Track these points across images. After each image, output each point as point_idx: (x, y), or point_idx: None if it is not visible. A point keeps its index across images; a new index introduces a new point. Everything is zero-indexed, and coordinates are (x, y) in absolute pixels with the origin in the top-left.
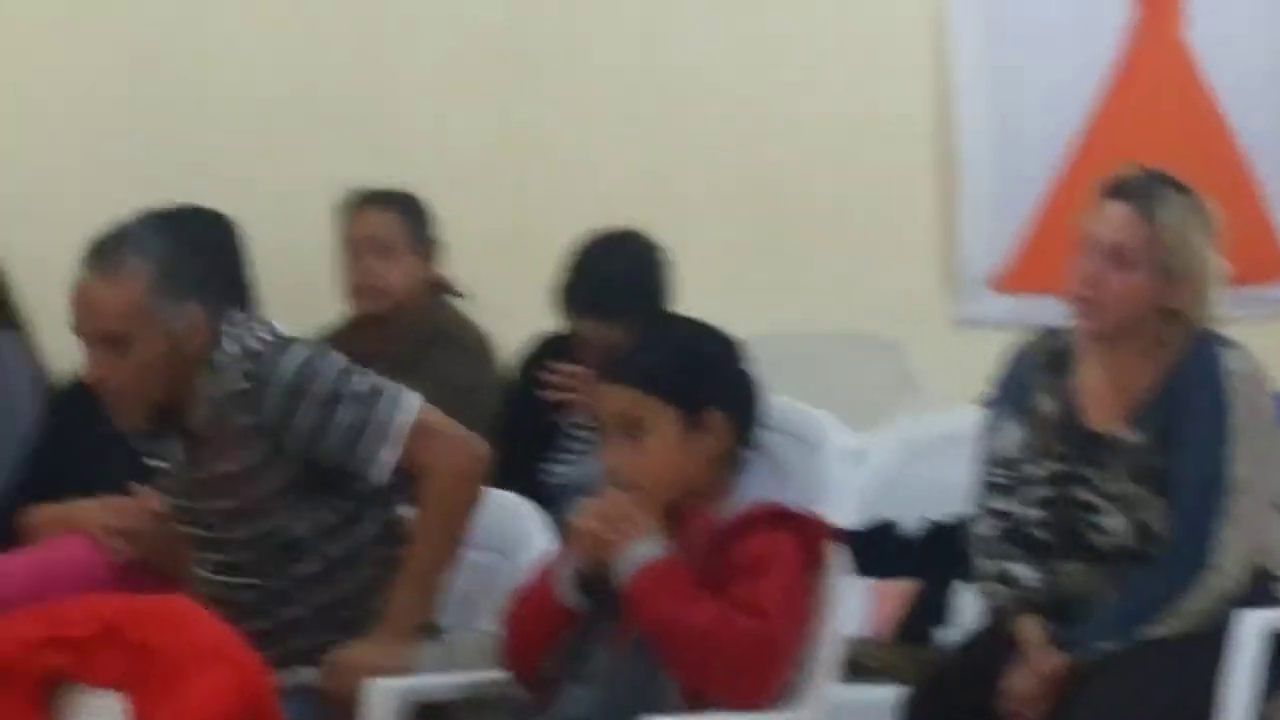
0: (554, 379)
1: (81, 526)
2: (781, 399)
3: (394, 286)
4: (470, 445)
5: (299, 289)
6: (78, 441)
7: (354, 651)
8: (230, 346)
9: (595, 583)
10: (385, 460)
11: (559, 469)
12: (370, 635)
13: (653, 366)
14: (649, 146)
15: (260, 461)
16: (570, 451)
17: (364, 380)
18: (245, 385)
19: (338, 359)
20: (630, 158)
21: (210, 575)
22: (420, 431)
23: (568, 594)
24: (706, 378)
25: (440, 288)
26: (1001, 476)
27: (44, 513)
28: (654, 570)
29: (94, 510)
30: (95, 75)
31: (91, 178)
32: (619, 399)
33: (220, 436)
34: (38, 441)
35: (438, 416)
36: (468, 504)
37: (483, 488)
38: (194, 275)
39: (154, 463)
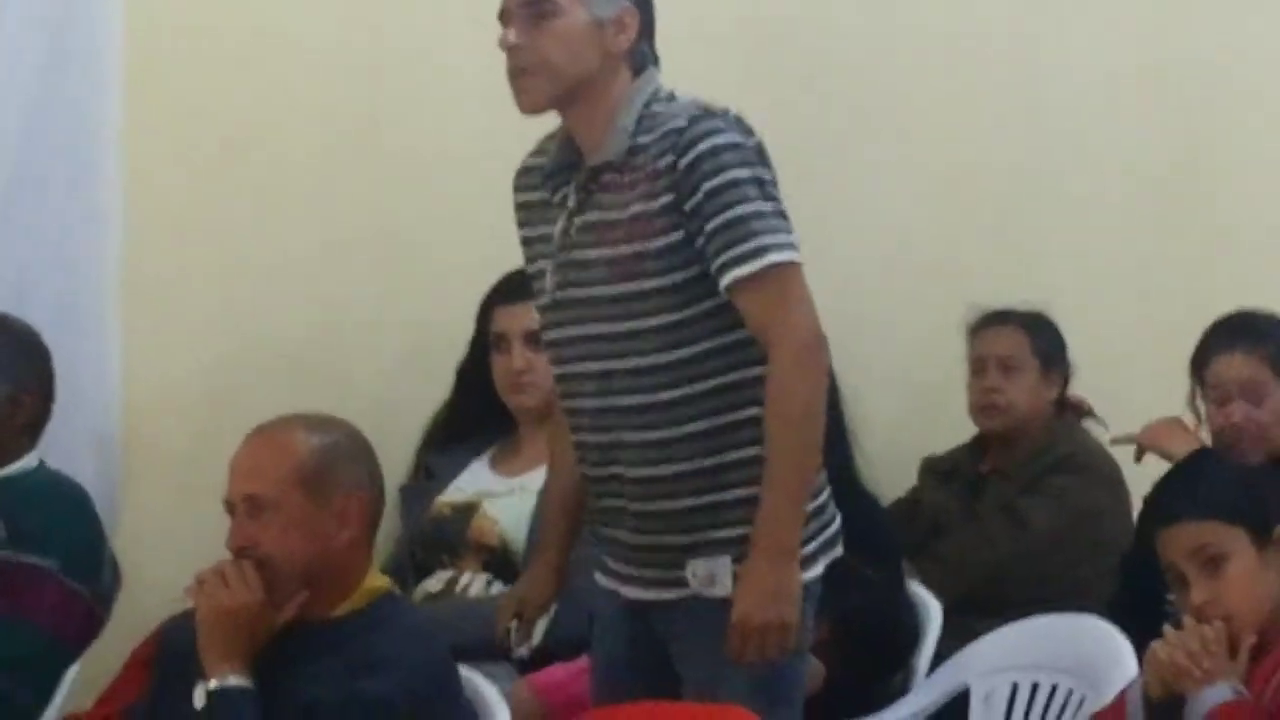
0: None
1: None
2: None
3: (1017, 405)
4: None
5: None
6: None
7: (757, 581)
8: (663, 93)
9: (1164, 713)
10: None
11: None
12: (755, 561)
13: (1217, 493)
14: None
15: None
16: None
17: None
18: (682, 125)
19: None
20: None
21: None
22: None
23: None
24: (1270, 492)
25: (1069, 409)
26: None
27: None
28: (1227, 716)
29: None
30: None
31: None
32: (1189, 535)
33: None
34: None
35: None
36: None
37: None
38: None
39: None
